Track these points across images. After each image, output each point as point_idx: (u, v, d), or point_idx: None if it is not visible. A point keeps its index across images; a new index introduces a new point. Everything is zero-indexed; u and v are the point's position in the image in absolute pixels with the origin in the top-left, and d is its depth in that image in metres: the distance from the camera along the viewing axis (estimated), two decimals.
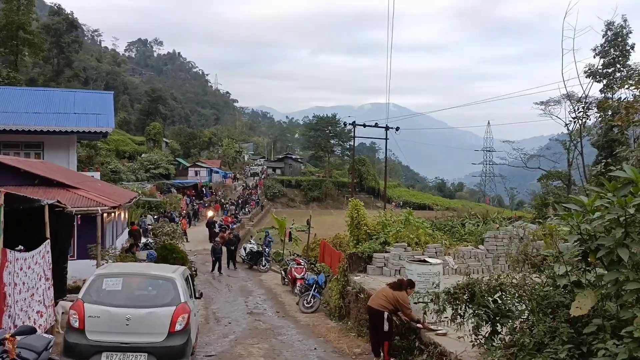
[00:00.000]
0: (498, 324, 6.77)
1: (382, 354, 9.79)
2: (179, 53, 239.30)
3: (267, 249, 26.69)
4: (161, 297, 8.05)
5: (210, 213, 44.87)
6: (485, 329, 6.89)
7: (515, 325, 6.54)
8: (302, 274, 18.76)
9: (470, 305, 6.78)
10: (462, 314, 6.87)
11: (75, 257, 15.12)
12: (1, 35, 49.83)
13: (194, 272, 21.54)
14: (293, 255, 23.79)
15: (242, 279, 23.65)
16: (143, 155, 74.30)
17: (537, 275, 7.03)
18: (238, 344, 11.54)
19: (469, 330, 6.74)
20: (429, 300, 7.00)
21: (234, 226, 40.83)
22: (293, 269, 19.58)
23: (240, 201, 63.04)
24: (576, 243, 5.71)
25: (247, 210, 58.55)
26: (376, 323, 9.81)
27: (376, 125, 32.06)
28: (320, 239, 24.65)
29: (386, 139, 31.77)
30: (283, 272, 21.76)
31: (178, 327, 7.66)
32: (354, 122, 32.14)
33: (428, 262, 10.06)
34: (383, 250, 15.32)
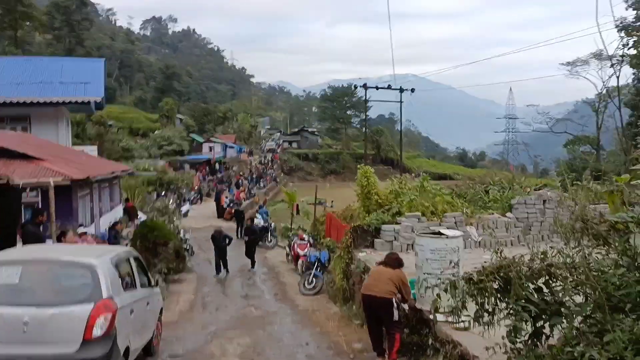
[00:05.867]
0: (545, 324, 4.56)
1: (386, 353, 7.69)
2: (193, 30, 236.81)
3: (272, 224, 24.70)
4: (74, 292, 6.00)
5: None
6: (527, 329, 4.68)
7: (573, 327, 4.32)
8: (305, 250, 16.68)
9: (504, 298, 4.58)
10: (490, 310, 4.67)
11: None
12: None
13: (190, 251, 19.73)
14: (297, 229, 21.70)
15: (245, 256, 21.67)
16: (156, 132, 72.88)
17: (603, 251, 4.78)
18: (215, 339, 9.54)
19: (503, 335, 4.53)
20: (443, 290, 4.80)
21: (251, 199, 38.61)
22: (296, 245, 17.52)
23: (254, 176, 61.14)
24: None
25: (262, 185, 56.69)
26: (379, 314, 7.72)
27: (389, 87, 29.51)
28: (329, 211, 22.53)
29: (400, 101, 29.28)
30: (287, 249, 19.76)
31: (97, 332, 5.60)
32: (365, 84, 29.69)
33: (444, 234, 7.84)
34: (394, 221, 13.13)
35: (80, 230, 13.39)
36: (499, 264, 4.54)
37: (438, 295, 4.86)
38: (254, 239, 18.97)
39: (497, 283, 4.59)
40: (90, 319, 5.59)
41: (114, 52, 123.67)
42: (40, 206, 12.91)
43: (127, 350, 6.21)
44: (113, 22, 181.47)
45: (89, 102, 23.25)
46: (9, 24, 48.04)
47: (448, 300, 4.75)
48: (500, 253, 4.75)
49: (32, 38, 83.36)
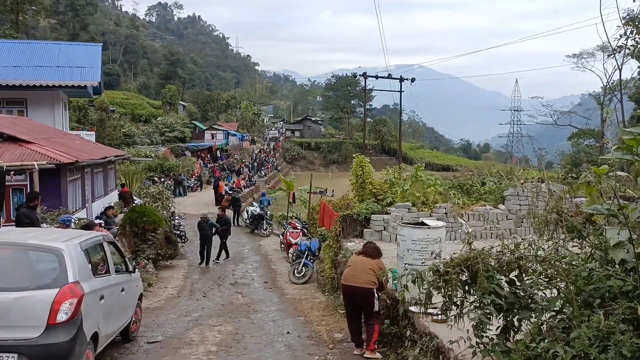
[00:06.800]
0: (514, 319, 4.42)
1: (364, 344, 7.58)
2: (199, 16, 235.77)
3: (268, 212, 24.60)
4: (40, 276, 5.88)
5: None
6: (497, 323, 4.55)
7: (540, 323, 4.18)
8: (298, 239, 16.55)
9: (471, 291, 4.43)
10: (458, 303, 4.53)
11: None
12: None
13: (183, 237, 19.63)
14: (290, 217, 21.57)
15: (240, 244, 21.63)
16: (158, 118, 72.73)
17: (577, 244, 4.62)
18: (196, 326, 9.43)
19: (468, 329, 4.39)
20: (411, 281, 4.65)
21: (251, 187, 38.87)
22: (288, 234, 17.40)
23: (255, 164, 60.97)
24: None
25: (263, 173, 56.57)
26: (360, 305, 7.60)
27: (389, 77, 29.25)
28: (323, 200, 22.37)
29: (400, 91, 29.02)
30: (281, 237, 19.65)
31: (61, 317, 5.48)
32: (365, 73, 29.44)
33: (426, 224, 7.68)
34: (385, 211, 12.99)
35: (97, 221, 13.36)
36: (466, 256, 4.39)
37: (405, 286, 4.72)
38: (227, 228, 17.80)
39: (464, 276, 4.45)
40: (55, 303, 5.48)
41: (119, 38, 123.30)
42: (29, 190, 12.84)
43: (95, 336, 6.10)
44: (118, 8, 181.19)
45: (85, 87, 23.18)
46: (10, 7, 47.70)
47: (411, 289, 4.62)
48: (471, 244, 4.59)
49: (36, 22, 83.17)
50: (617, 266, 4.06)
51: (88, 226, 10.92)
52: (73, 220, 10.97)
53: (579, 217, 4.70)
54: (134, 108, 78.99)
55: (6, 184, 10.79)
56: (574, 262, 4.30)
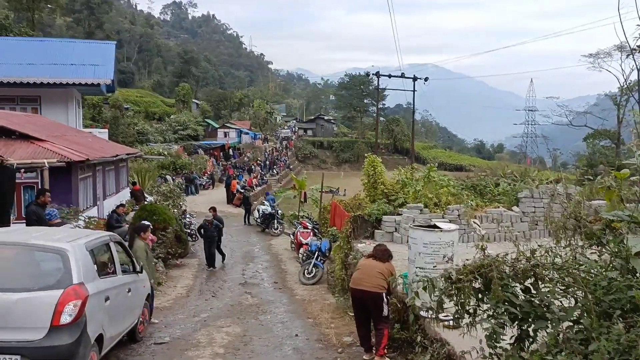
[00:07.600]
0: (529, 329, 4.24)
1: (373, 348, 7.43)
2: (213, 15, 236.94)
3: (279, 211, 24.48)
4: (44, 277, 5.80)
5: None
6: (511, 332, 4.37)
7: (557, 334, 3.99)
8: (308, 239, 16.41)
9: (485, 299, 4.26)
10: (471, 311, 4.36)
11: None
12: None
13: (194, 236, 19.56)
14: (301, 217, 21.42)
15: (250, 243, 21.56)
16: (172, 116, 73.06)
17: (596, 251, 4.43)
18: (204, 327, 9.34)
19: (481, 338, 4.22)
20: (421, 288, 4.50)
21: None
22: (299, 233, 17.26)
23: (267, 162, 61.00)
24: None
25: (275, 171, 56.62)
26: (369, 309, 7.45)
27: (402, 76, 29.05)
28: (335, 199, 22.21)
29: (414, 90, 28.77)
30: (292, 236, 19.52)
31: (65, 319, 5.40)
32: (378, 72, 29.27)
33: (438, 227, 7.50)
34: (396, 212, 12.81)
35: (146, 222, 13.22)
36: (479, 263, 4.22)
37: (416, 293, 4.56)
38: (220, 229, 16.84)
39: (477, 283, 4.28)
40: (59, 305, 5.40)
41: (134, 36, 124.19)
42: (40, 187, 12.84)
43: (100, 337, 6.02)
44: (133, 6, 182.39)
45: (98, 84, 23.22)
46: (26, 5, 48.10)
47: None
48: (484, 250, 4.42)
49: (52, 20, 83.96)
50: (638, 276, 3.87)
51: (139, 228, 10.35)
52: (57, 214, 10.76)
53: (598, 223, 4.50)
54: (147, 106, 79.55)
55: (17, 181, 10.80)
56: (592, 271, 4.12)
